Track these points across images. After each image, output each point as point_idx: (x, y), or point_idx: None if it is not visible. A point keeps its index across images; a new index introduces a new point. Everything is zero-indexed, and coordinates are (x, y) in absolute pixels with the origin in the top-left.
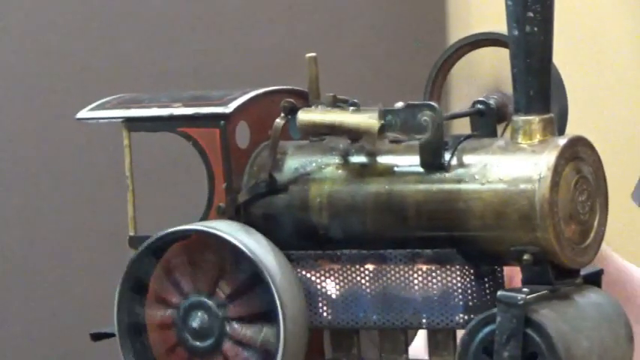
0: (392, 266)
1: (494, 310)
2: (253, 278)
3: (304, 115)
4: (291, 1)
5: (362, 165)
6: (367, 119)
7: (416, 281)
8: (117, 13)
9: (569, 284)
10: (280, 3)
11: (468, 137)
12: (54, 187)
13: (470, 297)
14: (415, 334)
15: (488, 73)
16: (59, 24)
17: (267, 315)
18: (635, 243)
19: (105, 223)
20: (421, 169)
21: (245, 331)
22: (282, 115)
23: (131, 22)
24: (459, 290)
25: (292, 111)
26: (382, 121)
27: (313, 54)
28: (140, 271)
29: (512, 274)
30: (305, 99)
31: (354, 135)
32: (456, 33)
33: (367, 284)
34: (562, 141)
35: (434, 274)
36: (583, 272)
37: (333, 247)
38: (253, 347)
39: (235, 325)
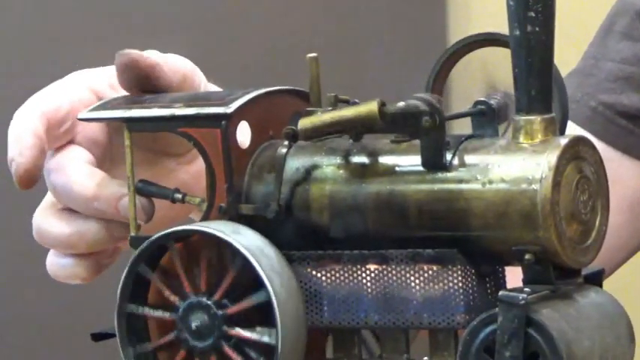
0: (393, 266)
1: (496, 310)
2: (251, 277)
3: (305, 121)
4: (292, 1)
5: (363, 165)
6: (365, 105)
7: (417, 281)
8: (118, 13)
9: (571, 284)
10: (280, 3)
11: (469, 137)
12: None
13: (471, 297)
14: (416, 334)
15: (489, 73)
16: (60, 24)
17: (266, 315)
18: None
19: None
20: (422, 169)
21: (244, 330)
22: (286, 142)
23: (132, 21)
24: (461, 290)
25: (294, 137)
26: (380, 104)
27: (314, 54)
28: (140, 275)
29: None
30: (306, 99)
31: (356, 124)
32: (456, 33)
33: (368, 284)
34: (563, 141)
35: (435, 274)
36: (584, 272)
37: (334, 247)
38: (253, 346)
39: (235, 325)
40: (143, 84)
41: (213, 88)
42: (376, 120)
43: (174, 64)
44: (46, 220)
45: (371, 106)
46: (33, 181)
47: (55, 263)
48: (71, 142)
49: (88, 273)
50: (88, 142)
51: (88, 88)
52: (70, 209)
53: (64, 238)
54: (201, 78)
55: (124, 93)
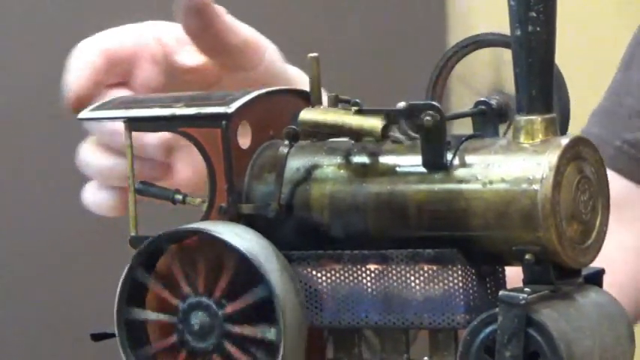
0: (393, 266)
1: (496, 310)
2: (254, 279)
3: (306, 114)
4: (292, 1)
5: (364, 165)
6: (370, 120)
7: (417, 281)
8: (119, 13)
9: (571, 284)
10: (280, 3)
11: (469, 137)
12: (55, 187)
13: (471, 297)
14: (416, 334)
15: (489, 73)
16: (61, 23)
17: (267, 314)
18: None
19: (106, 222)
20: (423, 169)
21: (245, 327)
22: (287, 142)
23: (132, 20)
24: (461, 290)
25: (295, 137)
26: (385, 122)
27: (315, 54)
28: (138, 276)
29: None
30: (306, 99)
31: (357, 136)
32: (456, 33)
33: (369, 284)
34: (564, 141)
35: (435, 274)
36: (584, 272)
37: (335, 247)
38: (255, 343)
39: (236, 325)
40: (200, 24)
41: (290, 69)
42: (377, 136)
43: (236, 26)
44: (88, 152)
45: (375, 124)
46: (81, 107)
47: (92, 194)
48: (125, 84)
49: (118, 206)
50: (141, 89)
51: (156, 38)
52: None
53: (101, 170)
54: (268, 53)
55: (186, 48)
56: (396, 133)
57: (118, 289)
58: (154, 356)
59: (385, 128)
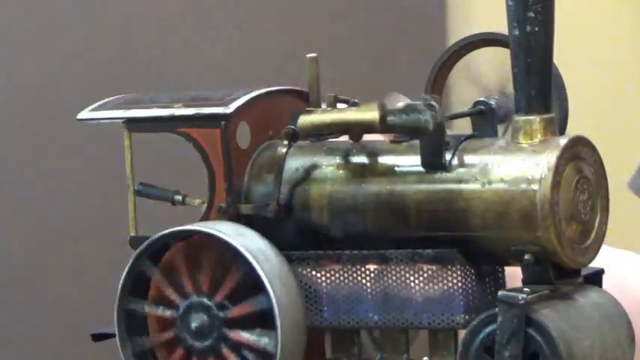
0: (393, 266)
1: (496, 310)
2: (253, 280)
3: (305, 118)
4: (292, 1)
5: (363, 165)
6: (367, 111)
7: (417, 281)
8: (119, 14)
9: (570, 284)
10: (280, 3)
11: (468, 137)
12: (55, 188)
13: (471, 297)
14: (416, 334)
15: (488, 74)
16: (61, 23)
17: (266, 317)
18: (635, 236)
19: (105, 223)
20: (422, 169)
21: (243, 333)
22: (286, 142)
23: (133, 22)
24: (460, 290)
25: (294, 137)
26: (382, 112)
27: (314, 54)
28: (141, 271)
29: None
30: (306, 99)
31: (356, 127)
32: (456, 33)
33: (368, 284)
34: (563, 141)
35: (435, 274)
36: (584, 272)
37: (334, 248)
38: (251, 350)
39: (234, 327)
40: None
41: None
42: (376, 127)
43: None
44: None
45: (372, 114)
46: None
47: None
48: None
49: None
50: None
51: None
52: None
53: None
54: None
55: None
56: (394, 116)
57: (122, 278)
58: (151, 348)
59: (383, 116)
